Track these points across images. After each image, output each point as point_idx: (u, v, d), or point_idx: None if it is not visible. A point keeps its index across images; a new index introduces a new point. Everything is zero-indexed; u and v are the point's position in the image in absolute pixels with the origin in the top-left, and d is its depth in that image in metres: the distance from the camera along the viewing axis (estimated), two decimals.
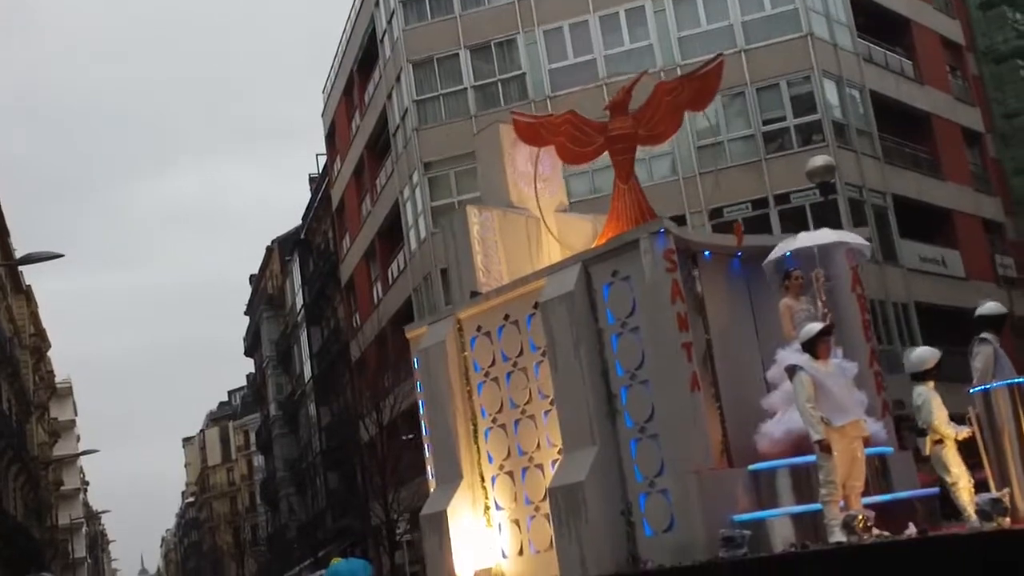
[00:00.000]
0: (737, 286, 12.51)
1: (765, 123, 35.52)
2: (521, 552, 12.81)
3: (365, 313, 47.97)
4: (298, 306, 61.00)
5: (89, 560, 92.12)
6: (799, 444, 11.10)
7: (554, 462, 12.43)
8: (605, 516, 11.43)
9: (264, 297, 71.89)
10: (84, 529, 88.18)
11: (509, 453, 13.00)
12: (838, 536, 9.90)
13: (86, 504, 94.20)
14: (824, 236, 12.24)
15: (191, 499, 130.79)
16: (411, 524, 36.48)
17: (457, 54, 38.70)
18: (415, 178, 39.90)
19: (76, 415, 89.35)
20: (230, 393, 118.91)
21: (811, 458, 11.04)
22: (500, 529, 13.08)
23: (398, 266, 43.72)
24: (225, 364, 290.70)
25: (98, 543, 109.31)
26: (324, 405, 55.91)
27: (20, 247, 51.06)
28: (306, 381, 60.35)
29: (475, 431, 13.31)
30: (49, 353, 71.31)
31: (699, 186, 34.63)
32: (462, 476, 13.21)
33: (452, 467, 13.35)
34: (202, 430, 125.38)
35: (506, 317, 13.03)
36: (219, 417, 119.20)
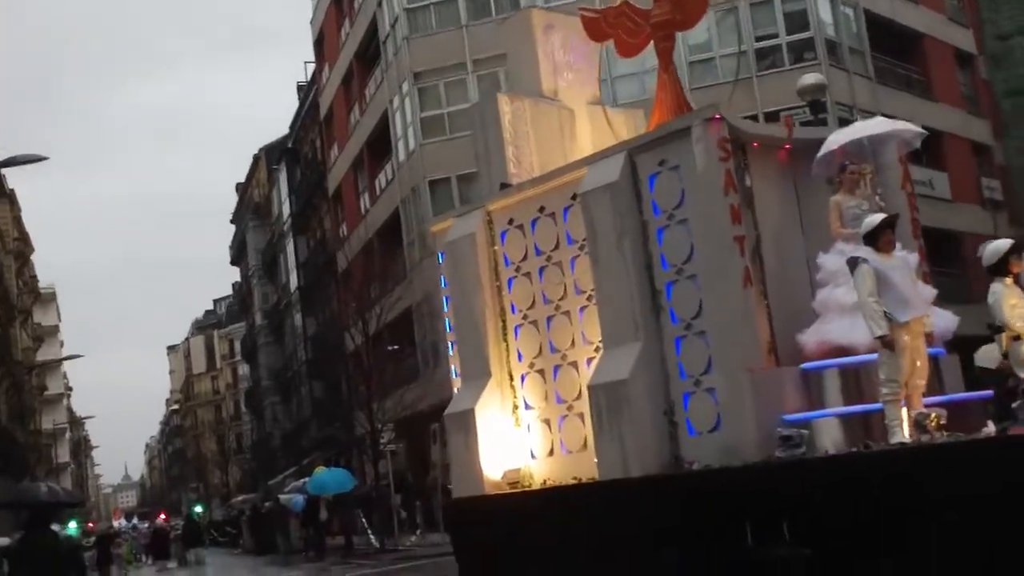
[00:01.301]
0: (785, 181, 11.68)
1: (758, 40, 34.58)
2: (552, 453, 12.09)
3: (352, 224, 47.08)
4: (284, 215, 59.89)
5: (73, 465, 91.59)
6: (849, 346, 10.41)
7: (590, 360, 11.67)
8: (649, 415, 10.72)
9: (250, 206, 70.67)
10: (68, 434, 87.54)
11: (540, 351, 12.22)
12: (900, 436, 9.23)
13: (70, 409, 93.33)
14: (876, 126, 11.39)
15: (175, 407, 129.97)
16: (395, 434, 36.09)
17: None
18: (405, 88, 38.87)
19: (60, 320, 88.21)
20: (215, 302, 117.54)
21: (863, 358, 10.41)
22: (529, 429, 12.35)
23: (386, 177, 42.84)
24: (211, 273, 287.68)
25: (81, 449, 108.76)
26: (310, 315, 55.14)
27: (2, 151, 49.64)
28: (292, 291, 59.49)
29: (504, 328, 12.51)
30: (32, 258, 69.98)
31: (691, 102, 33.65)
32: (490, 374, 12.43)
33: (479, 365, 12.56)
34: (187, 338, 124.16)
35: (541, 209, 12.16)
36: (204, 325, 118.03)
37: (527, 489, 11.94)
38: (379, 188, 43.80)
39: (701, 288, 10.59)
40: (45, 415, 71.73)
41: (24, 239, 65.66)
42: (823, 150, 10.99)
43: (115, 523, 68.91)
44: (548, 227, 12.11)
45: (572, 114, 13.28)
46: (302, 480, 43.14)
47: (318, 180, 52.15)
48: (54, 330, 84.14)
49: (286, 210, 59.41)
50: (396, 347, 38.88)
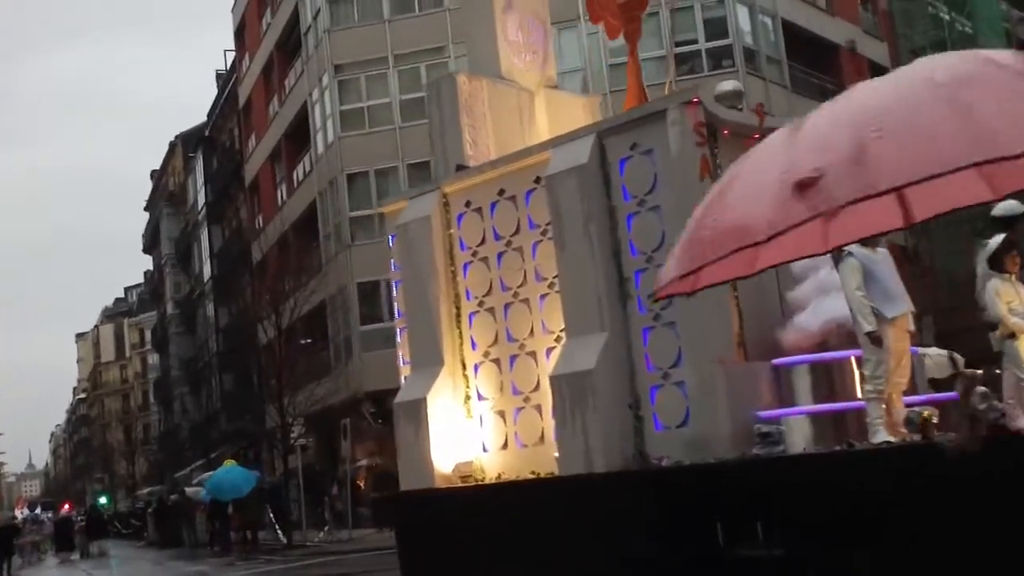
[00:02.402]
0: None
1: (677, 45, 34.38)
2: (505, 446, 11.34)
3: (268, 215, 45.84)
4: (200, 204, 58.05)
5: None
6: (831, 338, 9.88)
7: (549, 350, 10.97)
8: (614, 408, 10.05)
9: (165, 193, 68.57)
10: None
11: (496, 339, 11.46)
12: (882, 435, 8.70)
13: None
14: None
15: (83, 395, 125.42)
16: (306, 428, 35.18)
17: None
18: (325, 80, 37.99)
19: None
20: (126, 290, 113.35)
21: (835, 355, 9.91)
22: (482, 421, 11.58)
23: (304, 169, 41.87)
24: (122, 260, 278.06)
25: None
26: (223, 306, 53.57)
27: None
28: (205, 281, 57.71)
29: (458, 315, 11.73)
30: None
31: (610, 104, 33.33)
32: (443, 362, 11.64)
33: (431, 352, 11.73)
34: (96, 326, 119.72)
35: (501, 192, 11.39)
36: (114, 313, 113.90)
37: (482, 483, 11.18)
38: (296, 180, 42.79)
39: None
40: None
41: None
42: None
43: (17, 512, 66.20)
44: (508, 211, 11.36)
45: (531, 96, 12.58)
46: (209, 473, 41.82)
47: (235, 170, 50.68)
48: None
49: (201, 199, 57.60)
50: (309, 341, 37.92)
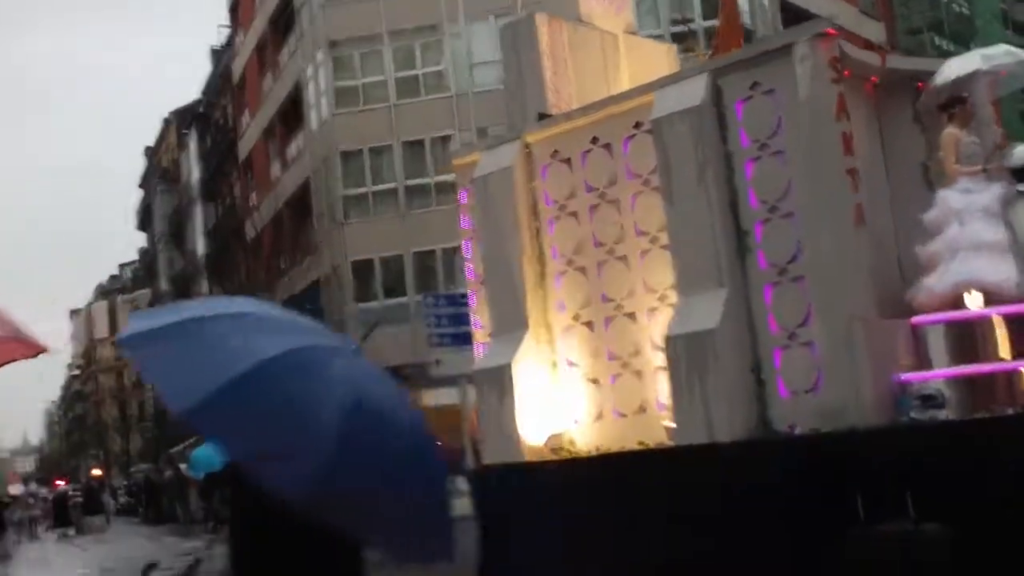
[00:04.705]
0: (871, 116, 9.88)
1: (674, 23, 33.40)
2: (600, 416, 10.09)
3: (262, 192, 44.28)
4: (194, 181, 56.24)
5: None
6: (996, 286, 8.64)
7: (651, 311, 9.71)
8: (737, 372, 8.82)
9: (159, 170, 66.54)
10: None
11: (589, 300, 10.16)
12: None
13: None
14: (1002, 56, 9.60)
15: (77, 372, 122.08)
16: None
17: None
18: (319, 57, 36.51)
19: None
20: (121, 266, 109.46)
21: (980, 312, 8.73)
22: (571, 389, 10.31)
23: (297, 147, 40.36)
24: (117, 236, 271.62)
25: None
26: (217, 284, 51.93)
27: None
28: (199, 258, 55.96)
29: (542, 275, 10.44)
30: None
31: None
32: (527, 326, 10.34)
33: (515, 316, 10.39)
34: (90, 303, 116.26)
35: (594, 140, 10.07)
36: (108, 290, 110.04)
37: (577, 455, 9.92)
38: (290, 157, 41.28)
39: (801, 228, 8.72)
40: None
41: None
42: (942, 78, 9.22)
43: (10, 488, 64.25)
44: (603, 160, 10.04)
45: (615, 40, 11.25)
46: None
47: (229, 147, 48.96)
48: None
49: (195, 176, 55.79)
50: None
